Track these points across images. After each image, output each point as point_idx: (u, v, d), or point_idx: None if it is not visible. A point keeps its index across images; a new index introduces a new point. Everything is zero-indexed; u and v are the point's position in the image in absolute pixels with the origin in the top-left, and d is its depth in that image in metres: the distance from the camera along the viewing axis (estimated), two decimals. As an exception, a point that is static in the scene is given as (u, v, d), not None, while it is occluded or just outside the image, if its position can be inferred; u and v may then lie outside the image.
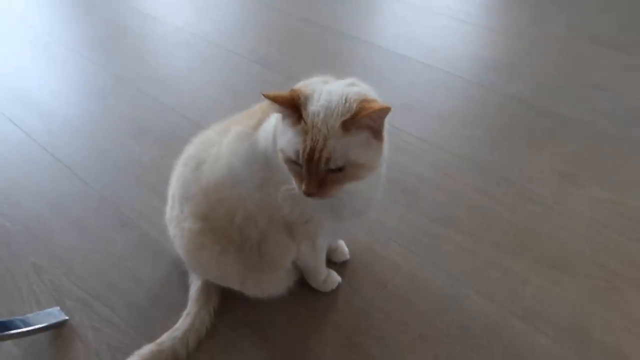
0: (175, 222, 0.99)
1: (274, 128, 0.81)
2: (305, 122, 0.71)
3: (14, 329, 1.02)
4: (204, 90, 1.82)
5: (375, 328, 1.06)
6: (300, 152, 0.71)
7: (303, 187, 0.73)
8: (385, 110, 0.70)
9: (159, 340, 1.00)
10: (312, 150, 0.70)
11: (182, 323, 1.03)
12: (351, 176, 0.74)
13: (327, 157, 0.70)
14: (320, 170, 0.72)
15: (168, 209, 1.04)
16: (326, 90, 0.74)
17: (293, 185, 0.77)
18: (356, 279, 1.15)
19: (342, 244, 1.19)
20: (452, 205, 1.33)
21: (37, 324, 1.05)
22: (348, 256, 1.19)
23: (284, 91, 0.74)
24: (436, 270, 1.17)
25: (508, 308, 1.08)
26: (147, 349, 0.98)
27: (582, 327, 1.05)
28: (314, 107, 0.72)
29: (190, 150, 0.98)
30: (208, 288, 1.07)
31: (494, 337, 1.03)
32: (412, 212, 1.31)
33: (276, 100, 0.72)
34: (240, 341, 1.04)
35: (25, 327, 1.03)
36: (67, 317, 1.08)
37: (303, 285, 1.11)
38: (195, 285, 1.09)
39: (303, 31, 2.17)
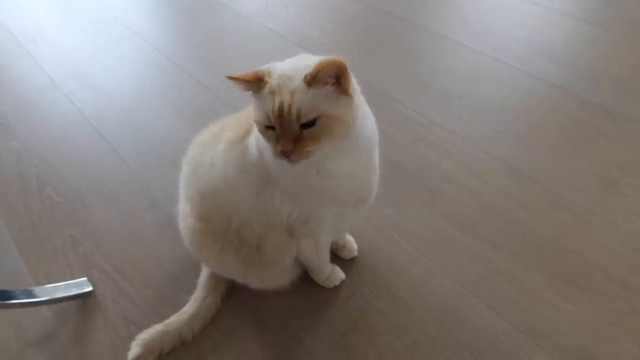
0: (181, 217, 1.04)
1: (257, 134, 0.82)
2: (271, 85, 0.73)
3: (49, 296, 1.15)
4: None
5: (371, 330, 1.06)
6: (270, 110, 0.73)
7: (279, 146, 0.74)
8: (337, 65, 0.71)
9: (167, 321, 1.07)
10: (282, 106, 0.72)
11: (190, 307, 1.09)
12: (326, 131, 0.74)
13: (297, 109, 0.72)
14: (293, 127, 0.73)
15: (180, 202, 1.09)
16: (289, 61, 0.77)
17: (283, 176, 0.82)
18: (361, 278, 1.16)
19: (350, 240, 1.19)
20: (474, 208, 1.28)
21: (68, 293, 1.17)
22: (356, 253, 1.19)
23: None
24: (444, 276, 1.14)
25: (513, 323, 1.05)
26: (156, 328, 1.05)
27: (591, 352, 0.99)
28: (279, 71, 0.75)
29: (190, 151, 1.01)
30: (216, 275, 1.13)
31: (491, 353, 1.01)
32: (430, 211, 1.28)
33: (241, 79, 0.75)
34: (240, 328, 1.09)
35: (58, 294, 1.15)
36: (92, 289, 1.19)
37: (307, 278, 1.13)
38: (205, 272, 1.15)
39: (339, 6, 2.11)
